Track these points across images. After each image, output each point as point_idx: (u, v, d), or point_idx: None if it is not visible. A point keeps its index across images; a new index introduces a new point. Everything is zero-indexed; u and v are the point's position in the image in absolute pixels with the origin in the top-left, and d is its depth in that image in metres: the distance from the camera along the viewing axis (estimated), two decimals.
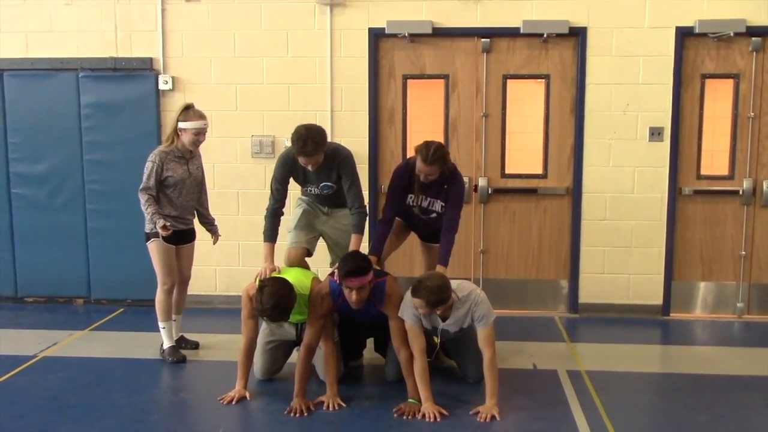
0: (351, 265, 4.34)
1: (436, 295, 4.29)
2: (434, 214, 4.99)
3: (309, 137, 4.62)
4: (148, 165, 5.15)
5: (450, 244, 4.96)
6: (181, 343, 5.50)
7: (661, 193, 6.38)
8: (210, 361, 5.35)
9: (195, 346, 5.56)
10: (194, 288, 6.73)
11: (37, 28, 6.64)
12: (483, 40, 6.40)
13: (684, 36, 6.23)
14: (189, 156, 5.26)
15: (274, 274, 4.65)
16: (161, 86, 6.57)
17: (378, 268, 4.75)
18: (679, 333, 6.23)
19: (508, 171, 6.57)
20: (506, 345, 5.49)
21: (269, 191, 5.07)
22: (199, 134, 5.16)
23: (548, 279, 6.66)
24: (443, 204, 4.95)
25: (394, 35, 6.40)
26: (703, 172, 6.44)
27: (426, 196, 4.96)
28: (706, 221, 6.48)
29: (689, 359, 5.48)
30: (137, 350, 5.56)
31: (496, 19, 6.33)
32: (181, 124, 5.13)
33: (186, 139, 5.14)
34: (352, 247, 4.82)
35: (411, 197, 4.99)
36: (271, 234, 4.96)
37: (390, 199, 5.06)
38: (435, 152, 4.72)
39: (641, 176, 6.37)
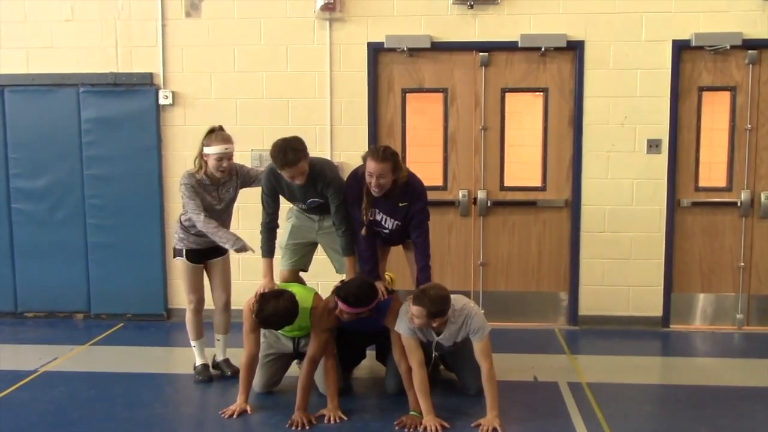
0: (352, 297, 4.39)
1: (438, 305, 4.29)
2: (386, 230, 4.78)
3: (287, 146, 4.42)
4: (185, 189, 4.89)
5: (427, 268, 4.71)
6: (222, 365, 5.29)
7: (659, 205, 6.41)
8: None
9: (237, 372, 5.01)
10: None
11: (37, 44, 6.68)
12: (481, 54, 6.45)
13: (681, 49, 6.28)
14: (219, 182, 5.00)
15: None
16: (161, 101, 6.60)
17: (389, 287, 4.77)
18: (679, 345, 6.24)
19: (507, 184, 6.60)
20: (506, 357, 5.49)
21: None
22: (222, 159, 4.84)
23: (548, 291, 6.68)
24: (398, 223, 4.72)
25: (393, 49, 6.44)
26: (702, 183, 6.47)
27: (378, 210, 4.70)
28: (704, 233, 6.50)
29: (690, 371, 5.48)
30: (138, 365, 5.57)
31: (494, 33, 6.37)
32: (205, 150, 4.87)
33: (210, 164, 4.88)
34: (347, 272, 4.76)
35: (363, 209, 4.70)
36: (268, 249, 4.88)
37: (350, 211, 4.78)
38: (386, 150, 4.51)
39: (640, 188, 6.40)
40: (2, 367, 5.52)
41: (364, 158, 4.61)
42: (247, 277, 6.52)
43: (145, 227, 6.73)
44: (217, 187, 5.02)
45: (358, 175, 4.68)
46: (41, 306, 6.92)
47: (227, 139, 4.92)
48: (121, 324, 6.72)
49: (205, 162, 4.90)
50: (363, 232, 4.72)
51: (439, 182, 6.56)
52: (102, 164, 6.69)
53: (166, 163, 6.70)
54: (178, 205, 6.61)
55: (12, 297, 6.91)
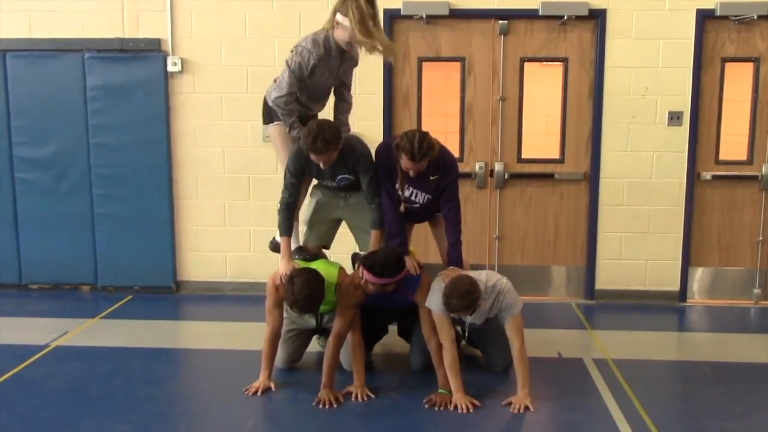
0: (378, 266, 4.28)
1: (468, 298, 4.13)
2: (417, 205, 4.64)
3: (320, 134, 4.25)
4: (305, 54, 4.51)
5: (458, 243, 4.61)
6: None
7: (679, 179, 6.31)
8: (227, 350, 5.21)
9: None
10: (204, 275, 6.68)
11: (40, 8, 6.43)
12: (500, 21, 6.27)
13: (704, 18, 6.13)
14: (344, 54, 4.63)
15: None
16: (170, 68, 6.39)
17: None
18: (698, 319, 6.20)
19: (524, 156, 6.46)
20: (527, 333, 5.27)
21: (281, 179, 4.76)
22: (350, 43, 4.55)
23: (565, 265, 6.58)
24: (429, 196, 4.59)
25: (410, 16, 6.25)
26: (722, 157, 6.36)
27: (409, 185, 4.55)
28: (724, 207, 6.41)
29: (713, 346, 5.42)
30: (151, 339, 5.45)
31: (514, 1, 6.19)
32: (339, 17, 4.45)
33: (340, 35, 4.50)
34: (373, 245, 4.60)
35: (398, 185, 4.55)
36: (286, 227, 4.64)
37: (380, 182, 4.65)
38: (421, 145, 4.25)
39: (660, 161, 6.29)
40: (12, 341, 5.37)
41: (398, 146, 4.36)
42: (258, 249, 6.45)
43: (153, 197, 6.55)
44: (340, 59, 4.65)
45: (389, 146, 4.52)
46: (46, 278, 6.76)
47: None
48: (129, 296, 6.58)
49: (334, 28, 4.52)
50: (402, 209, 4.57)
51: (456, 154, 6.31)
52: (109, 133, 6.48)
53: (174, 132, 6.51)
54: (187, 174, 6.55)
55: (17, 268, 6.73)
